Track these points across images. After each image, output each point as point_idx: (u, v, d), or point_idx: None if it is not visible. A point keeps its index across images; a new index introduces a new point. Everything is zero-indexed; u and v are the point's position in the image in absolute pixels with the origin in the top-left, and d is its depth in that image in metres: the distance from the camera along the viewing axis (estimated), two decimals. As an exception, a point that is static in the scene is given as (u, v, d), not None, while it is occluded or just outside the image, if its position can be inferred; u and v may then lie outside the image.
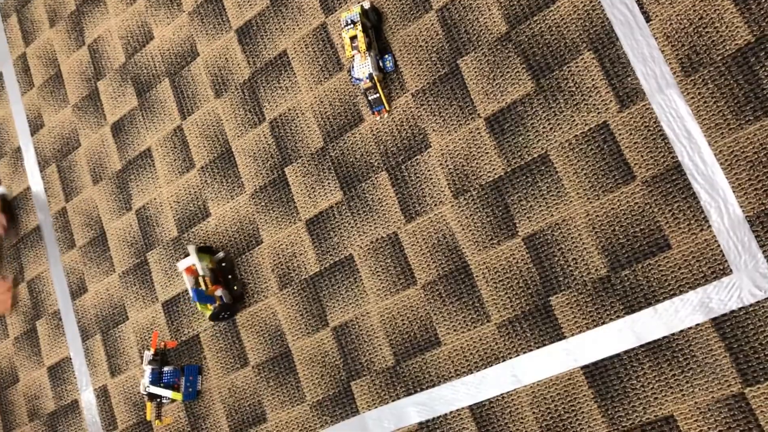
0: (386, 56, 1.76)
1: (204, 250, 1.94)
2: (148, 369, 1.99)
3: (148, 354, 2.01)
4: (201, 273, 1.86)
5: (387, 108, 1.74)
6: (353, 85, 1.80)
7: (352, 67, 1.72)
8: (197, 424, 2.00)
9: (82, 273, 2.31)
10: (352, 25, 1.71)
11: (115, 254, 2.23)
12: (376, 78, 1.71)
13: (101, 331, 2.23)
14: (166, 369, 2.00)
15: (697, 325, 1.39)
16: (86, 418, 2.25)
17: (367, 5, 1.75)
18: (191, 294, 1.85)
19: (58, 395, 2.33)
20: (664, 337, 1.42)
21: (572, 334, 1.51)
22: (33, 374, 2.41)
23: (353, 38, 1.70)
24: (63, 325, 2.34)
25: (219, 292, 1.89)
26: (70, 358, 2.30)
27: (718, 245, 1.38)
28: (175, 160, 2.12)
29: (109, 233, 2.25)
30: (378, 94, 1.73)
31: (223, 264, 1.96)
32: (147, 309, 2.13)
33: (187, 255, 1.98)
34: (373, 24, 1.75)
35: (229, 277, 1.93)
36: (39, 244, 2.46)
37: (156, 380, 1.98)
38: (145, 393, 1.98)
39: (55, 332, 2.36)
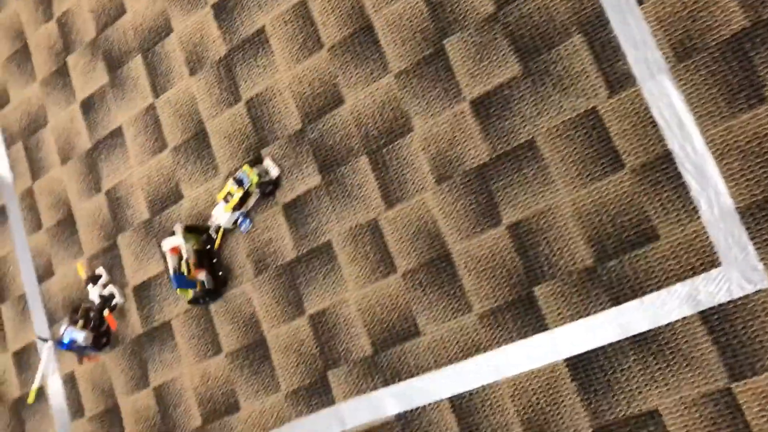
0: (246, 219, 1.82)
1: (192, 230, 1.85)
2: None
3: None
4: (185, 255, 1.79)
5: (215, 247, 1.87)
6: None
7: (216, 205, 1.86)
8: (167, 412, 1.94)
9: (50, 255, 2.23)
10: (237, 185, 1.75)
11: (84, 236, 2.15)
12: (220, 231, 1.83)
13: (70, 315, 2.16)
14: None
15: (684, 318, 1.35)
16: (53, 405, 2.17)
17: (267, 177, 1.78)
18: (172, 280, 1.79)
19: (23, 381, 2.25)
20: (650, 330, 1.38)
21: (556, 326, 1.47)
22: (-3, 359, 2.33)
23: (230, 193, 1.76)
24: (29, 309, 2.26)
25: (201, 276, 1.82)
26: (36, 344, 2.22)
27: (708, 236, 1.34)
28: (147, 139, 2.04)
29: (78, 214, 2.17)
30: (213, 242, 1.86)
31: (208, 247, 1.88)
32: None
33: (172, 233, 1.88)
34: (263, 191, 1.80)
35: (214, 261, 1.86)
36: (3, 225, 2.37)
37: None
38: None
39: (20, 317, 2.28)
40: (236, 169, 1.86)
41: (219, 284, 1.86)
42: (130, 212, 2.06)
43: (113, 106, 2.12)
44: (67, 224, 2.19)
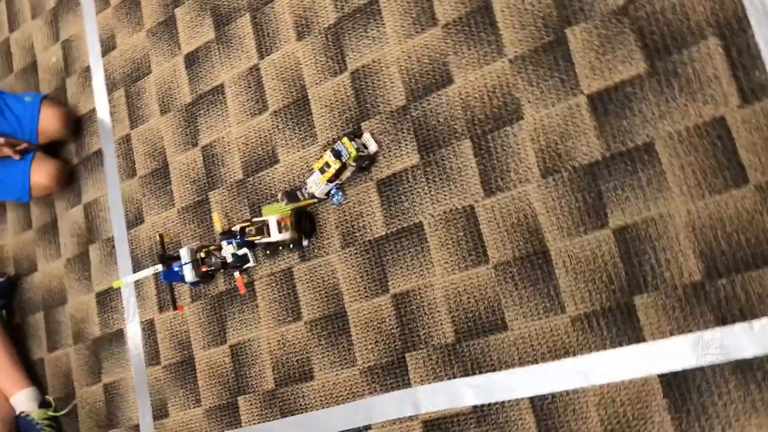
0: (338, 192, 1.80)
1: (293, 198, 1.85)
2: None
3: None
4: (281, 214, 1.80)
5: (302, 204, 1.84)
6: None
7: (310, 175, 1.82)
8: (242, 371, 1.97)
9: (140, 203, 2.27)
10: (335, 157, 1.72)
11: (176, 189, 2.18)
12: (309, 199, 1.83)
13: (153, 265, 2.20)
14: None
15: (797, 348, 1.28)
16: (130, 349, 2.23)
17: (365, 152, 1.75)
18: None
19: (104, 322, 2.32)
20: (756, 357, 1.31)
21: (654, 338, 1.41)
22: (81, 298, 2.40)
23: (328, 164, 1.74)
24: (116, 254, 2.32)
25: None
26: (120, 288, 2.28)
27: (834, 267, 1.26)
28: (248, 100, 2.04)
29: (172, 166, 2.20)
30: (300, 203, 1.83)
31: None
32: (203, 249, 2.08)
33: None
34: (359, 166, 1.76)
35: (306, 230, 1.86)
36: (99, 169, 2.42)
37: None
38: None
39: (107, 260, 2.34)
40: (334, 140, 1.85)
41: (298, 240, 1.85)
42: (224, 170, 2.07)
43: (217, 63, 2.13)
44: (161, 175, 2.23)
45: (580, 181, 1.51)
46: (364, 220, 1.79)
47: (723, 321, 1.34)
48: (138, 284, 2.23)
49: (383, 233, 1.75)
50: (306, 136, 1.91)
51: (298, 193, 1.85)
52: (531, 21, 1.60)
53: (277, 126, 1.97)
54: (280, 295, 1.91)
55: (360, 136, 1.78)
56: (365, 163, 1.76)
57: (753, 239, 1.32)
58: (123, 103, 2.38)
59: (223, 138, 2.08)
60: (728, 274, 1.34)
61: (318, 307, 1.84)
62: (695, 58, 1.40)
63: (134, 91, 2.35)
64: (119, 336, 2.27)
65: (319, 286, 1.85)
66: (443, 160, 1.68)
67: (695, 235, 1.38)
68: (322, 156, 1.76)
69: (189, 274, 1.93)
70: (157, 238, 2.18)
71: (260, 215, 1.84)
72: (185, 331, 2.11)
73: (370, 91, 1.81)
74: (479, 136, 1.64)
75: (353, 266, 1.79)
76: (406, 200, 1.73)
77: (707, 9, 1.40)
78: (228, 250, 1.91)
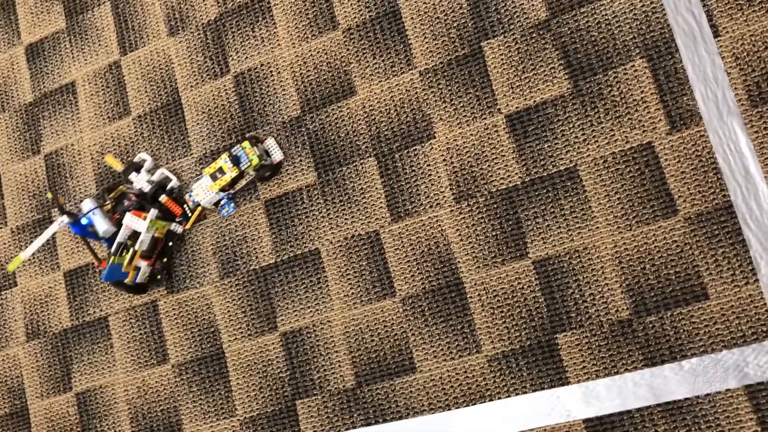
0: (230, 202, 1.58)
1: (163, 217, 1.57)
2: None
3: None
4: (139, 244, 1.50)
5: (186, 226, 1.59)
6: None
7: (198, 179, 1.59)
8: (91, 424, 1.64)
9: (-39, 220, 1.87)
10: (233, 163, 1.50)
11: (11, 205, 1.81)
12: (197, 209, 1.57)
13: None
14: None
15: (728, 390, 1.21)
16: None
17: (269, 161, 1.53)
18: (104, 271, 1.51)
19: None
20: (687, 399, 1.23)
21: (578, 381, 1.30)
22: None
23: (222, 170, 1.51)
24: None
25: (141, 264, 1.54)
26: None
27: (765, 303, 1.21)
28: (105, 102, 1.74)
29: (5, 177, 1.83)
30: (188, 218, 1.59)
31: (170, 243, 1.60)
32: (44, 276, 1.73)
33: (141, 208, 1.56)
34: (260, 176, 1.54)
35: (164, 260, 1.58)
36: None
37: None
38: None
39: None
40: (219, 150, 1.60)
41: (150, 281, 1.59)
42: (72, 183, 1.74)
43: (68, 57, 1.79)
44: (-11, 187, 1.85)
45: (497, 207, 1.38)
46: (248, 246, 1.55)
47: (652, 361, 1.26)
48: (-45, 319, 1.82)
49: (272, 261, 1.53)
50: (177, 146, 1.64)
51: (186, 207, 1.57)
52: (444, 31, 1.46)
53: (142, 134, 1.68)
54: (141, 334, 1.62)
55: (263, 141, 1.55)
56: (266, 173, 1.52)
57: (683, 273, 1.25)
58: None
59: (72, 145, 1.75)
60: (657, 311, 1.26)
61: (189, 348, 1.57)
62: (621, 79, 1.32)
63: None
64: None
65: (190, 323, 1.58)
66: (344, 179, 1.49)
67: (622, 268, 1.29)
68: (216, 161, 1.51)
69: (101, 222, 1.55)
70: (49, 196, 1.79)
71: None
72: (17, 376, 1.74)
73: (257, 98, 1.59)
74: (385, 155, 1.47)
75: (234, 299, 1.55)
76: (300, 224, 1.51)
77: (634, 29, 1.32)
78: (141, 180, 1.58)
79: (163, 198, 1.57)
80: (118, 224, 1.57)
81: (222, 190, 1.52)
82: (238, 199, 1.57)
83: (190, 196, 1.57)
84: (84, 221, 1.54)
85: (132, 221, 1.50)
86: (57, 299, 1.70)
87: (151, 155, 1.64)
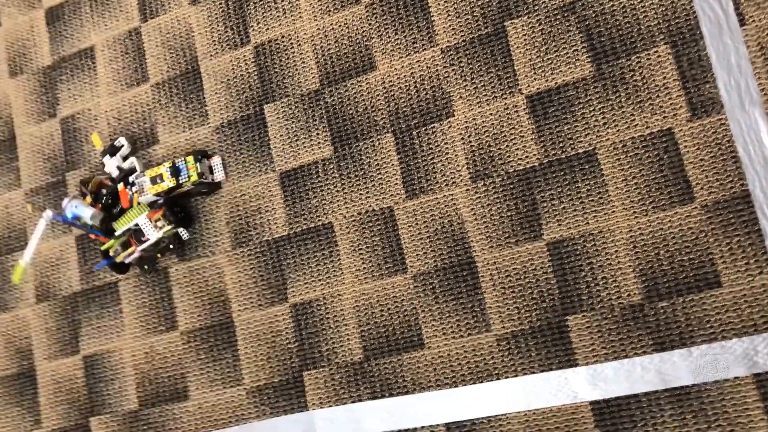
0: (106, 262, 1.57)
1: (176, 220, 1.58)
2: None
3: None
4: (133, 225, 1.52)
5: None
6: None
7: (141, 175, 1.56)
8: (97, 388, 1.65)
9: (-25, 181, 1.88)
10: (172, 175, 1.51)
11: (25, 167, 1.81)
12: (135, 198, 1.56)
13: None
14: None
15: (736, 378, 1.21)
16: None
17: (209, 179, 1.54)
18: (101, 263, 1.54)
19: None
20: (695, 385, 1.24)
21: (586, 363, 1.30)
22: None
23: (161, 177, 1.51)
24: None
25: (136, 251, 1.56)
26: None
27: (778, 293, 1.21)
28: (123, 68, 1.74)
29: (21, 139, 1.83)
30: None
31: (171, 246, 1.60)
32: (55, 240, 1.74)
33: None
34: (197, 191, 1.56)
35: (158, 256, 1.59)
36: None
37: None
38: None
39: None
40: (185, 153, 1.60)
41: (141, 266, 1.60)
42: (87, 148, 1.74)
43: (87, 22, 1.79)
44: (6, 149, 1.85)
45: (514, 187, 1.38)
46: (262, 217, 1.55)
47: (661, 347, 1.26)
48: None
49: (285, 233, 1.53)
50: (195, 115, 1.65)
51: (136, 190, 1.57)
52: (467, 9, 1.45)
53: (159, 101, 1.68)
54: (151, 300, 1.63)
55: (209, 158, 1.56)
56: (203, 189, 1.54)
57: (696, 261, 1.25)
58: (-41, 59, 1.97)
59: (89, 110, 1.76)
60: (669, 296, 1.26)
61: (198, 316, 1.58)
62: (644, 64, 1.32)
63: (-25, 46, 1.95)
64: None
65: (201, 291, 1.59)
66: (360, 154, 1.49)
67: (636, 253, 1.29)
68: (159, 166, 1.52)
69: (86, 211, 1.56)
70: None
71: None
72: (26, 337, 1.75)
73: (276, 70, 1.58)
74: (403, 131, 1.47)
75: (245, 270, 1.55)
76: (315, 197, 1.52)
77: (659, 14, 1.32)
78: (112, 164, 1.61)
79: (120, 186, 1.59)
80: (105, 210, 1.60)
81: (158, 195, 1.53)
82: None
83: (138, 186, 1.57)
84: (69, 215, 1.57)
85: (145, 226, 1.52)
86: (68, 262, 1.71)
87: (131, 140, 1.65)
